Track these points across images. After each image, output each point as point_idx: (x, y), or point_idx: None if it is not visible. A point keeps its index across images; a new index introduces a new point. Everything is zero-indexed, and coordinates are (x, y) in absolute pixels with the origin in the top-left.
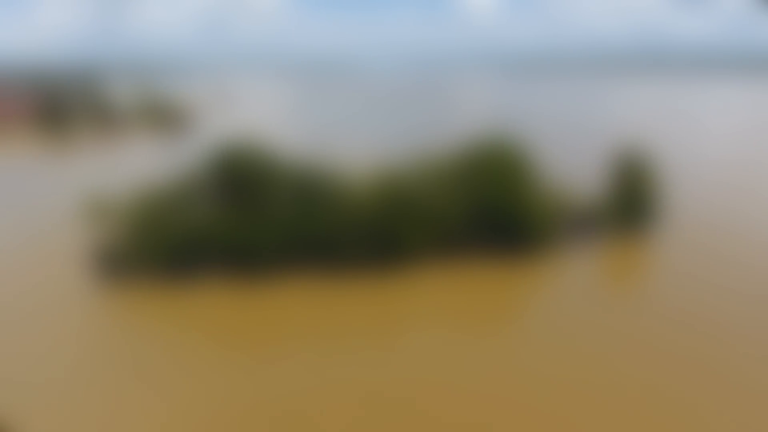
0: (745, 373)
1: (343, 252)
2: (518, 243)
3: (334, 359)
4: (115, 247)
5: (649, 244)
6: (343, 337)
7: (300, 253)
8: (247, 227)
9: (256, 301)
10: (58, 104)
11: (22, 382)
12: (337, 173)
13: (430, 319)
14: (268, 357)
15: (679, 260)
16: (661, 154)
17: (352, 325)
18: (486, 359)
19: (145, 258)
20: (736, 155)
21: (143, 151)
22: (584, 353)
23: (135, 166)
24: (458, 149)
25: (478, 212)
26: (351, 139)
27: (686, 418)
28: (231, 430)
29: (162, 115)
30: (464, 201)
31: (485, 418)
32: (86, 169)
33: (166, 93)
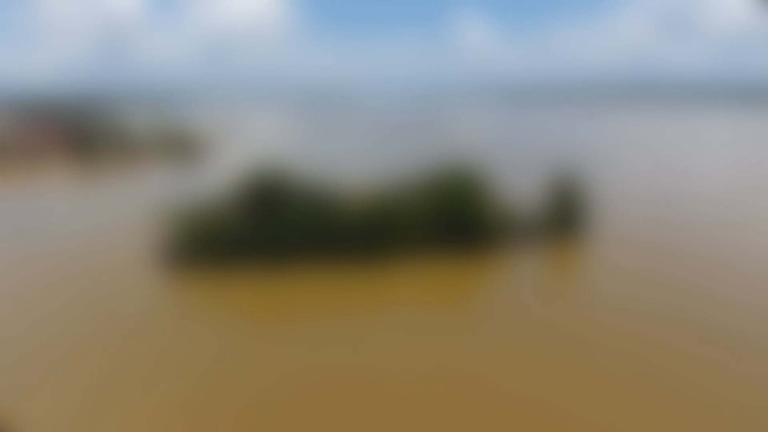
0: (665, 358)
1: (343, 248)
2: (476, 243)
3: (333, 328)
4: (174, 246)
5: (579, 247)
6: (341, 311)
7: (310, 249)
8: (270, 230)
9: (278, 285)
10: (83, 135)
11: (116, 334)
12: (338, 189)
13: (407, 300)
14: (287, 325)
15: (605, 259)
16: (608, 175)
17: (349, 302)
18: (450, 332)
19: (196, 253)
20: (685, 178)
21: (169, 175)
22: (526, 330)
23: (168, 188)
24: (432, 171)
25: (446, 220)
26: (348, 162)
27: (610, 387)
28: (257, 377)
29: (178, 144)
30: (435, 211)
31: (444, 377)
32: (124, 190)
33: (177, 123)
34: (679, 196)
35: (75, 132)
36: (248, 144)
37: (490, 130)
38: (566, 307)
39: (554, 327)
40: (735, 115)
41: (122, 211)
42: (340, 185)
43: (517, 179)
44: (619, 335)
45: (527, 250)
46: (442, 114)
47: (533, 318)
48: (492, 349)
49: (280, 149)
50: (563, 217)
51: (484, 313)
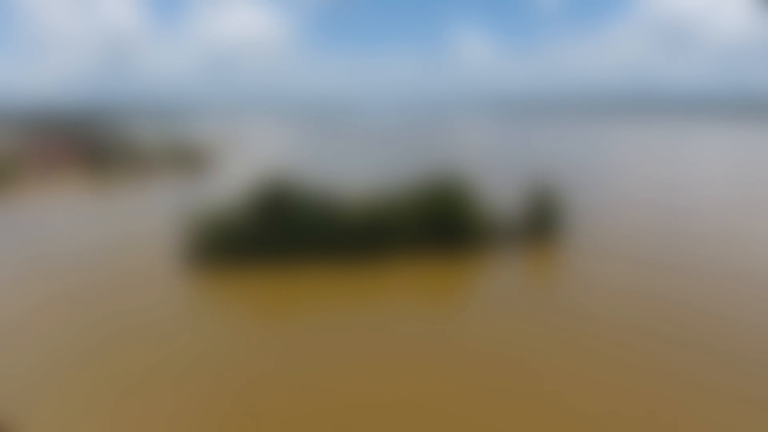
0: (631, 356)
1: (343, 249)
2: (462, 245)
3: (334, 319)
4: (191, 249)
5: (557, 252)
6: (341, 305)
7: (314, 250)
8: (277, 233)
9: (285, 281)
10: (93, 147)
11: (148, 318)
12: (338, 195)
13: (400, 295)
14: (293, 317)
15: (578, 262)
16: (601, 185)
17: (348, 297)
18: (438, 324)
19: (212, 253)
20: (659, 187)
21: (179, 185)
22: (506, 323)
23: (180, 197)
24: (425, 180)
25: (435, 224)
26: (347, 171)
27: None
28: (267, 365)
29: (185, 155)
30: (426, 216)
31: (432, 361)
32: (138, 200)
33: (183, 135)
34: (674, 206)
35: (85, 145)
36: (253, 155)
37: (484, 143)
38: (542, 305)
39: (531, 322)
40: (733, 128)
41: (138, 219)
42: (340, 192)
43: (506, 188)
44: (595, 333)
45: (509, 253)
46: (439, 127)
47: (512, 312)
48: (473, 339)
49: (284, 160)
50: (542, 224)
51: (467, 307)
